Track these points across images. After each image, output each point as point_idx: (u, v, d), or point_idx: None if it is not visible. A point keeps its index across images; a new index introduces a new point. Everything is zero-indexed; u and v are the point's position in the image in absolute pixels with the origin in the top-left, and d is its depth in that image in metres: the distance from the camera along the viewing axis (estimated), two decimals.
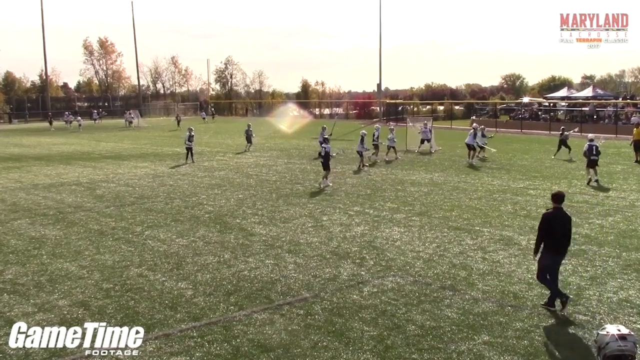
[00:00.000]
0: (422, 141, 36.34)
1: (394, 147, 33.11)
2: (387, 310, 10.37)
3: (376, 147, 32.87)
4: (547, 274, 10.36)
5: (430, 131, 36.69)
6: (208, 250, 14.48)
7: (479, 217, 17.61)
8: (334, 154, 23.95)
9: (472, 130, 31.49)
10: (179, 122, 68.79)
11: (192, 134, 32.63)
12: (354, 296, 11.10)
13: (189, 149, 32.37)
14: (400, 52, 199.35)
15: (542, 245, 10.34)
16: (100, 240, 15.56)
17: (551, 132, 51.10)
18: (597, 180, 23.25)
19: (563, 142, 32.13)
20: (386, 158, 32.57)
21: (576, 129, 33.10)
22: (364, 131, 29.99)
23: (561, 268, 12.50)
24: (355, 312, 10.30)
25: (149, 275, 12.59)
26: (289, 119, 68.79)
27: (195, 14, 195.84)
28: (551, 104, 65.72)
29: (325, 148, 23.68)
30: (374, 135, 33.19)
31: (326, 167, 23.65)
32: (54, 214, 19.12)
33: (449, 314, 10.19)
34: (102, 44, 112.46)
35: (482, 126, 35.38)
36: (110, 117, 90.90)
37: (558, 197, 10.40)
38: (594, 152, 23.45)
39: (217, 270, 12.79)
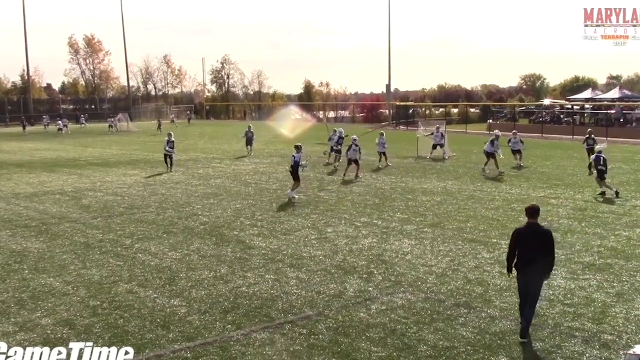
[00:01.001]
0: (434, 146, 36.37)
1: (384, 153, 32.96)
2: (397, 330, 10.37)
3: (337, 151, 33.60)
4: (523, 297, 10.06)
5: (443, 135, 36.67)
6: (203, 264, 14.50)
7: (496, 229, 17.61)
8: (304, 163, 23.62)
9: (492, 137, 31.05)
10: (159, 125, 68.70)
11: (172, 139, 32.37)
12: (361, 314, 11.11)
13: (168, 156, 32.16)
14: (411, 50, 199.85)
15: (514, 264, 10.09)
16: (86, 254, 15.58)
17: (574, 136, 51.11)
18: (617, 192, 22.57)
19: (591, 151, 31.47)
20: (379, 165, 32.57)
21: (604, 144, 32.09)
22: (342, 132, 30.22)
23: (584, 283, 12.53)
24: (362, 332, 10.31)
25: (139, 291, 12.61)
26: (290, 123, 68.79)
27: (190, 9, 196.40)
28: (574, 107, 65.67)
29: (294, 157, 23.39)
30: (333, 138, 34.19)
31: (295, 177, 23.46)
32: (36, 226, 19.16)
33: (464, 333, 10.18)
34: (89, 41, 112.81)
35: (514, 131, 34.40)
36: (97, 120, 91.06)
37: (531, 211, 10.12)
38: (601, 163, 22.94)
39: (213, 286, 12.80)
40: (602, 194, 22.79)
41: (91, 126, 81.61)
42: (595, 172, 23.45)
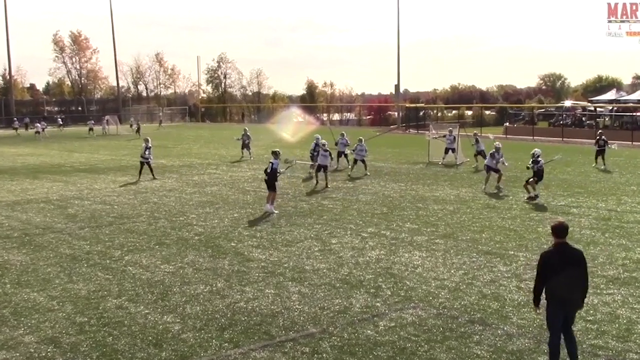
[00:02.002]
0: (447, 150, 36.38)
1: (362, 161, 32.51)
2: (407, 348, 10.38)
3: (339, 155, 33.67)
4: (556, 332, 9.24)
5: (455, 139, 36.64)
6: (198, 278, 14.52)
7: (514, 240, 17.61)
8: (282, 170, 23.36)
9: (493, 150, 27.40)
10: (138, 129, 68.51)
11: (149, 145, 32.09)
12: (368, 331, 11.11)
13: (146, 164, 31.80)
14: (422, 48, 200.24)
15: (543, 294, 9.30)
16: (72, 267, 15.60)
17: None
18: (536, 195, 23.47)
19: (602, 152, 33.98)
20: (350, 173, 32.44)
21: (614, 145, 33.59)
22: (320, 138, 29.95)
23: (608, 298, 12.53)
24: (369, 350, 10.31)
25: (129, 307, 12.63)
26: (292, 126, 68.93)
27: (184, 3, 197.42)
28: (597, 109, 65.67)
29: (272, 164, 22.47)
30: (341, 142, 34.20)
31: (271, 187, 22.58)
32: (18, 236, 19.20)
33: (479, 352, 10.19)
34: (75, 38, 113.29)
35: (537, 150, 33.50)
36: (84, 123, 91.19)
37: (559, 230, 9.28)
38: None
39: (209, 302, 12.82)
40: (532, 197, 23.59)
41: (70, 130, 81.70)
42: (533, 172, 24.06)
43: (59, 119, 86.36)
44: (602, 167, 33.64)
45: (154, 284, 14.10)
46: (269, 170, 22.48)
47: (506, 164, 28.20)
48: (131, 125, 78.58)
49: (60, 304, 12.87)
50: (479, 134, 35.48)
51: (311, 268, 15.11)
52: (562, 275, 8.98)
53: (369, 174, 31.98)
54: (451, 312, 12.00)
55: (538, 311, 9.48)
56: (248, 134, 41.48)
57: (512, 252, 16.24)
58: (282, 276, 14.49)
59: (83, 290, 13.75)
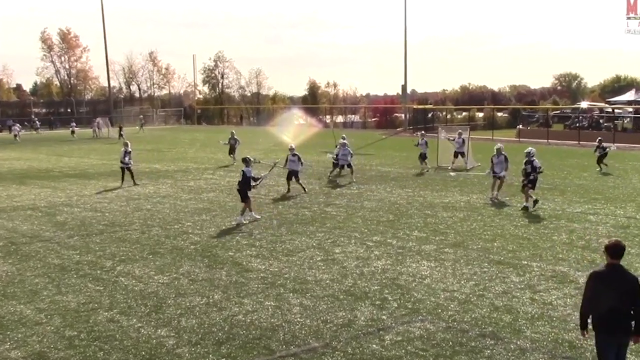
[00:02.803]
0: (456, 155, 36.38)
1: (349, 165, 32.48)
2: None
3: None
4: None
5: (465, 142, 36.59)
6: (194, 289, 14.54)
7: (527, 249, 17.62)
8: (263, 174, 23.66)
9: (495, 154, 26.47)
10: (120, 133, 68.40)
11: (129, 149, 32.13)
12: (374, 346, 11.12)
13: (126, 169, 31.89)
14: (430, 46, 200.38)
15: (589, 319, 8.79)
16: (61, 278, 15.63)
17: (615, 143, 51.05)
18: (535, 202, 23.44)
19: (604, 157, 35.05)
20: (330, 176, 32.69)
21: (613, 147, 34.93)
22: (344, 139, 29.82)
23: None
24: None
25: (121, 320, 12.65)
26: (293, 129, 68.99)
27: None
28: (615, 110, 65.67)
29: (245, 172, 22.38)
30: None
31: (245, 197, 22.34)
32: (4, 246, 19.23)
33: None
34: (64, 36, 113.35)
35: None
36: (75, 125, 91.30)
37: (614, 251, 8.60)
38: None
39: (205, 314, 12.84)
40: (527, 207, 23.41)
41: (55, 133, 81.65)
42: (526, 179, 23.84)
43: (37, 122, 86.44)
44: (604, 169, 34.68)
45: (147, 295, 14.11)
46: (240, 180, 22.43)
47: (502, 174, 26.08)
48: (141, 126, 79.16)
49: (49, 317, 12.89)
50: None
51: (313, 279, 15.12)
52: (613, 297, 8.40)
53: (355, 180, 31.66)
54: (461, 326, 12.00)
55: (586, 335, 8.96)
56: (236, 137, 41.63)
57: (526, 262, 16.24)
58: (283, 287, 14.51)
59: (72, 302, 13.77)
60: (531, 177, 23.43)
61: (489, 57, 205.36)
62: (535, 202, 23.46)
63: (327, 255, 17.34)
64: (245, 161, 22.85)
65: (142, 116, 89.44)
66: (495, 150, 26.42)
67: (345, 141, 33.35)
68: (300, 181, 28.50)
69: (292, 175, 28.36)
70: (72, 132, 73.57)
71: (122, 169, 32.03)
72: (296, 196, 27.29)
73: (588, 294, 8.65)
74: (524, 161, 23.76)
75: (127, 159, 31.72)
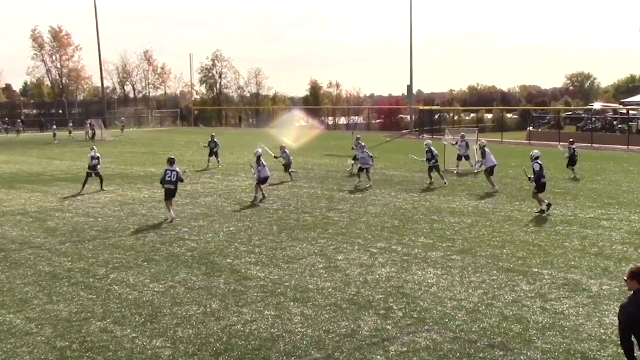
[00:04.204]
0: (459, 158, 36.30)
1: (368, 170, 32.44)
2: None
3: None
4: None
5: (469, 146, 36.40)
6: (191, 298, 14.54)
7: (538, 256, 17.61)
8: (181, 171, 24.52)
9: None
10: (94, 134, 67.95)
11: (96, 155, 31.80)
12: (378, 357, 11.12)
13: (93, 174, 31.64)
14: (437, 45, 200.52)
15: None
16: (52, 286, 15.64)
17: (630, 146, 51.10)
18: (549, 205, 23.63)
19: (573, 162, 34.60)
20: (357, 184, 32.43)
21: (560, 147, 35.18)
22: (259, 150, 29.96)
23: None
24: None
25: (115, 330, 12.65)
26: (294, 131, 69.05)
27: None
28: (630, 112, 65.66)
29: (176, 172, 23.97)
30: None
31: (172, 195, 24.10)
32: None
33: None
34: (56, 34, 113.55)
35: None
36: (65, 127, 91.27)
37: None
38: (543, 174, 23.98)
39: (203, 324, 12.84)
40: (542, 212, 23.61)
41: (40, 136, 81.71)
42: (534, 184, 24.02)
43: (19, 123, 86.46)
44: (573, 176, 33.70)
45: (142, 304, 14.12)
46: (173, 179, 23.83)
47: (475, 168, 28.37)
48: (122, 129, 78.91)
49: (39, 327, 12.89)
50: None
51: (315, 287, 15.13)
52: None
53: (372, 185, 31.60)
54: (469, 336, 12.00)
55: None
56: (216, 140, 42.22)
57: (536, 270, 16.24)
58: (284, 296, 14.51)
59: (64, 311, 13.78)
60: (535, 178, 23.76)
61: (499, 56, 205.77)
62: (548, 207, 23.61)
63: (330, 262, 17.34)
64: (171, 162, 24.31)
65: (122, 118, 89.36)
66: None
67: (363, 143, 33.50)
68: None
69: (263, 181, 28.30)
70: (54, 135, 73.01)
71: (88, 174, 31.76)
72: (297, 201, 27.31)
73: (625, 327, 8.32)
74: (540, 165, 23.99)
75: (95, 162, 31.55)
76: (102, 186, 31.89)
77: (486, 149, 30.48)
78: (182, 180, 24.40)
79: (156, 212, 25.22)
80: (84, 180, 31.85)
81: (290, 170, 34.56)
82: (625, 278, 8.52)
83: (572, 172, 34.00)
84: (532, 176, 23.74)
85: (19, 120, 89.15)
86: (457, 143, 37.02)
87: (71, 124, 79.37)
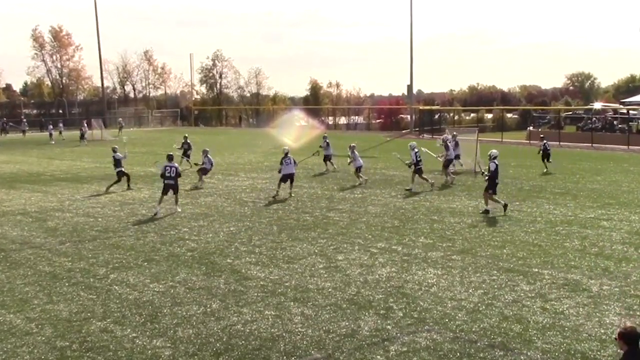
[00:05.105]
0: (457, 157, 36.08)
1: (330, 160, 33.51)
2: None
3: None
4: None
5: (458, 144, 35.97)
6: (191, 298, 14.55)
7: (538, 256, 17.61)
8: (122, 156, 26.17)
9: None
10: (82, 135, 67.71)
11: (122, 155, 32.12)
12: (378, 357, 11.13)
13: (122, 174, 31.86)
14: (438, 45, 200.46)
15: None
16: (52, 286, 15.64)
17: (630, 146, 51.09)
18: (505, 206, 23.82)
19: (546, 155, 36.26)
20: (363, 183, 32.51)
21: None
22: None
23: None
24: None
25: (115, 330, 12.66)
26: (294, 130, 68.98)
27: None
28: (630, 111, 65.63)
29: (175, 168, 25.30)
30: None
31: (176, 189, 25.39)
32: None
33: None
34: (56, 34, 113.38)
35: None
36: (66, 128, 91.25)
37: (629, 337, 7.76)
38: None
39: (203, 324, 12.84)
40: (488, 211, 23.86)
41: (30, 135, 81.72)
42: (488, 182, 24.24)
43: (24, 123, 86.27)
44: (545, 170, 35.43)
45: (142, 304, 14.13)
46: (172, 175, 25.08)
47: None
48: (120, 129, 78.66)
49: (39, 326, 12.90)
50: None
51: (315, 287, 15.13)
52: None
53: (361, 183, 32.15)
54: (469, 336, 12.01)
55: None
56: (189, 141, 42.09)
57: (537, 270, 16.24)
58: (284, 296, 14.52)
59: (64, 311, 13.79)
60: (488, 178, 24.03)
61: (499, 56, 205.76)
62: (504, 206, 23.86)
63: (330, 262, 17.34)
64: (170, 158, 25.88)
65: (120, 119, 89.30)
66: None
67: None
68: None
69: (288, 178, 28.86)
70: (50, 135, 72.72)
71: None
72: (297, 201, 27.31)
73: None
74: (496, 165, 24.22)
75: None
76: (128, 184, 32.28)
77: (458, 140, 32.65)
78: (179, 175, 25.53)
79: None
80: (116, 181, 31.83)
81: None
82: (615, 337, 8.13)
83: (544, 165, 35.71)
84: (488, 174, 24.03)
85: (24, 120, 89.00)
86: (443, 143, 36.59)
87: (61, 124, 78.86)
